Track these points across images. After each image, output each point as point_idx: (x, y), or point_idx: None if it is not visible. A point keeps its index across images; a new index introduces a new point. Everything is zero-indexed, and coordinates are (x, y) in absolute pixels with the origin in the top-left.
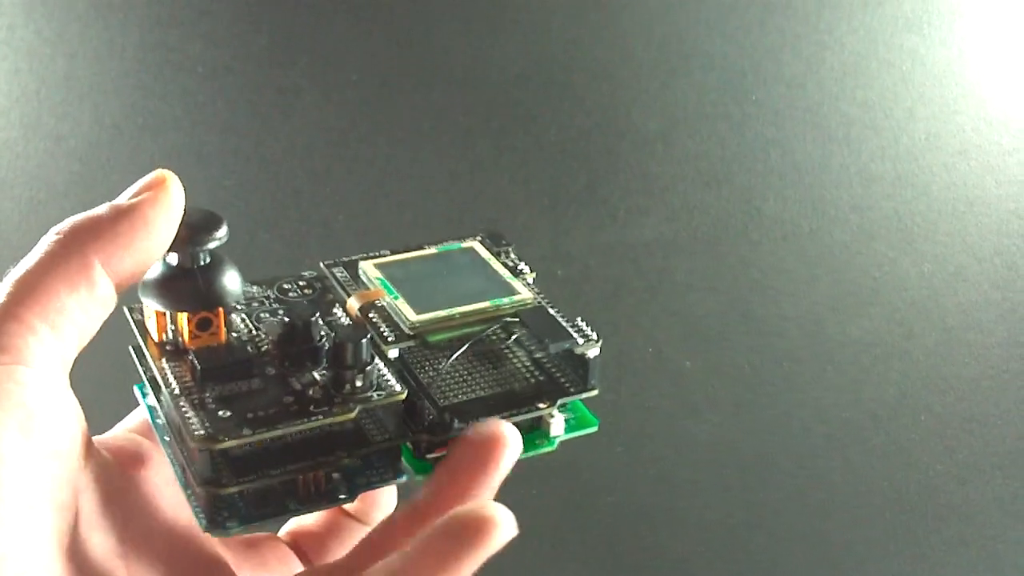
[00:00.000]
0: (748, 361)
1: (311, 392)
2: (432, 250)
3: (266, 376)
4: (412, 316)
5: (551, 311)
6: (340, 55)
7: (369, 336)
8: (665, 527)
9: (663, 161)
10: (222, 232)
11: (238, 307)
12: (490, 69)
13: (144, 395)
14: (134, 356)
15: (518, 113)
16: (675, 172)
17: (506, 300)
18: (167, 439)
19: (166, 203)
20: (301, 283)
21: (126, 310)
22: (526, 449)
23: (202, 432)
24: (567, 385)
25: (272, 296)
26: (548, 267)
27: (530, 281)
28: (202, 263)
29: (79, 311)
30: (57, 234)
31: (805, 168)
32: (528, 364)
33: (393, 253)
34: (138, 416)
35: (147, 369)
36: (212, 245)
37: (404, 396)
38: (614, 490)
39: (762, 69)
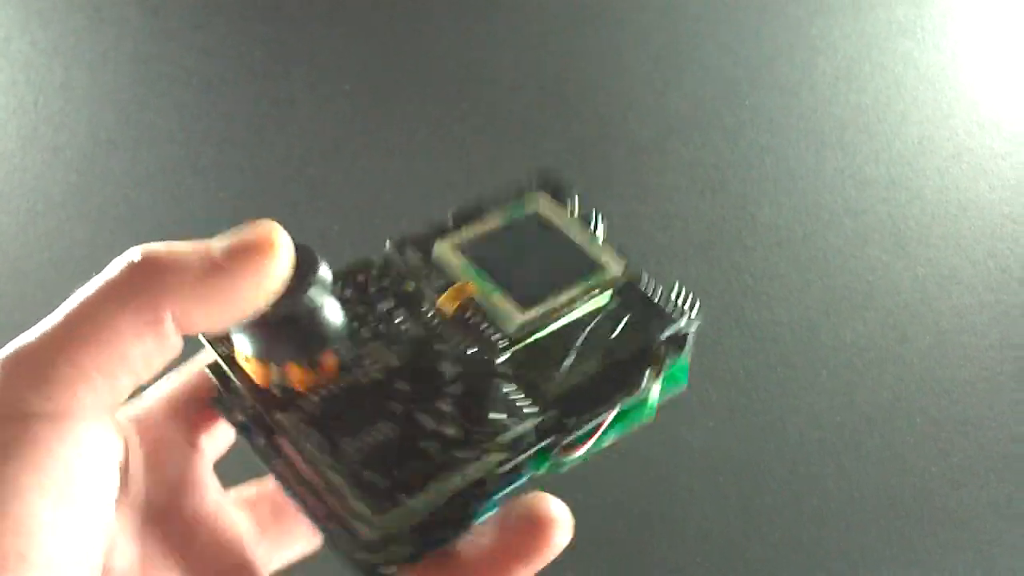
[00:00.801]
0: (742, 366)
1: (448, 431)
2: (498, 220)
3: (392, 416)
4: (518, 315)
5: (643, 287)
6: (334, 66)
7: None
8: (660, 533)
9: (658, 168)
10: (325, 273)
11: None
12: (485, 79)
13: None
14: (217, 383)
15: (513, 122)
16: (669, 179)
17: (596, 279)
18: (277, 469)
19: (268, 274)
20: (374, 272)
21: (205, 341)
22: (626, 423)
23: (368, 513)
24: (666, 352)
25: (350, 296)
26: None
27: (603, 235)
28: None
29: (141, 362)
30: (130, 264)
31: (799, 173)
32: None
33: (456, 223)
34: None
35: (247, 409)
36: (315, 292)
37: (541, 419)
38: (608, 496)
39: (756, 75)
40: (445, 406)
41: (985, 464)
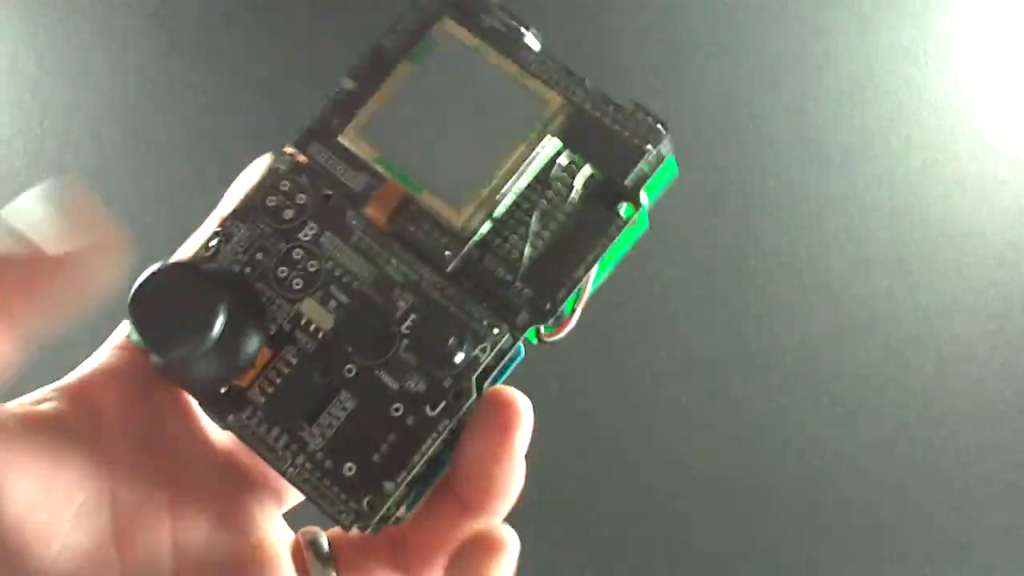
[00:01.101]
0: (744, 392)
1: (415, 386)
2: (405, 72)
3: (352, 383)
4: (456, 218)
5: (595, 112)
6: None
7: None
8: (660, 560)
9: None
10: (216, 324)
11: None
12: None
13: None
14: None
15: None
16: (671, 201)
17: (539, 125)
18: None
19: (104, 266)
20: (286, 189)
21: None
22: (617, 254)
23: (351, 518)
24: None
25: (272, 230)
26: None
27: (537, 44)
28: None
29: None
30: None
31: (802, 197)
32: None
33: (358, 90)
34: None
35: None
36: (221, 320)
37: (518, 350)
38: (608, 522)
39: (759, 96)
40: (402, 352)
41: (986, 492)
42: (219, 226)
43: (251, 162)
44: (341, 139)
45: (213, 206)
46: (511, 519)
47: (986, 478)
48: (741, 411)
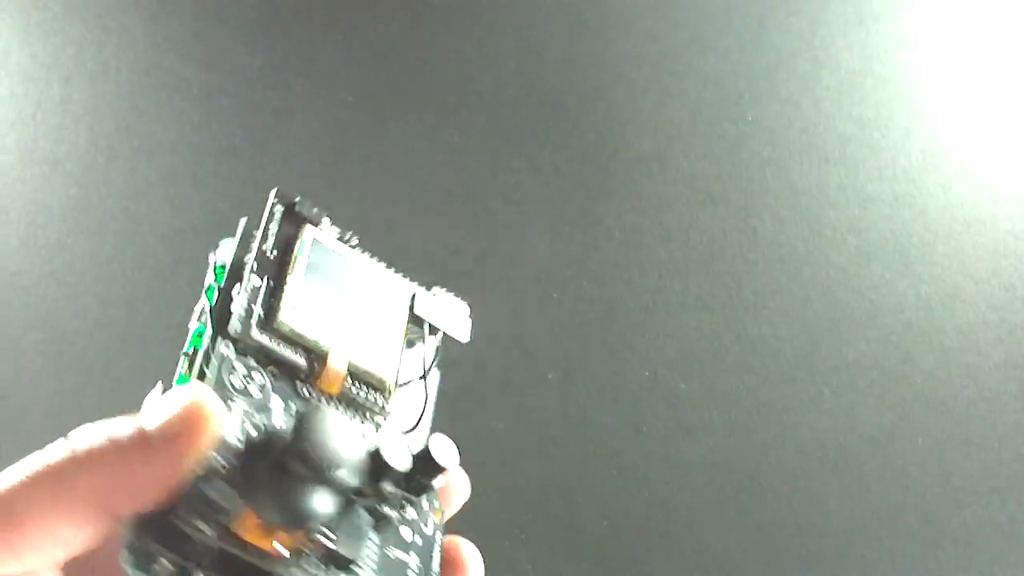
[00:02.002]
0: (743, 383)
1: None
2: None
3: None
4: (388, 379)
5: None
6: (334, 77)
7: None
8: (659, 550)
9: (658, 181)
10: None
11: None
12: (484, 90)
13: None
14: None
15: (513, 133)
16: (670, 192)
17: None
18: None
19: (198, 451)
20: (253, 378)
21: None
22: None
23: None
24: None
25: (254, 417)
26: (543, 289)
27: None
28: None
29: (65, 548)
30: (59, 460)
31: (801, 188)
32: None
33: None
34: None
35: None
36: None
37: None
38: (608, 513)
39: (757, 88)
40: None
41: (988, 484)
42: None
43: (250, 160)
44: (281, 321)
45: (206, 199)
46: (509, 508)
47: (987, 470)
48: (740, 402)
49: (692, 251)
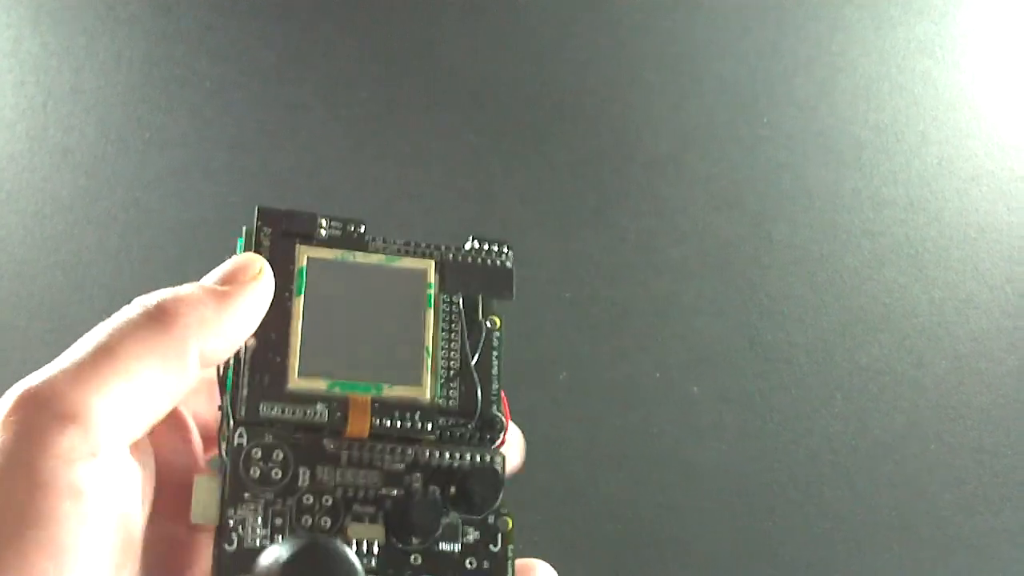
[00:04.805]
0: (756, 387)
1: (472, 537)
2: (296, 300)
3: (424, 567)
4: (423, 394)
5: (458, 259)
6: (349, 72)
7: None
8: (670, 554)
9: (673, 183)
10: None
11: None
12: (500, 89)
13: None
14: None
15: (528, 133)
16: (685, 195)
17: (431, 290)
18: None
19: (262, 289)
20: (259, 455)
21: None
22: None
23: None
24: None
25: (273, 494)
26: (556, 290)
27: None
28: None
29: (166, 397)
30: (146, 309)
31: (816, 192)
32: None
33: (254, 338)
34: None
35: None
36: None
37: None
38: (618, 516)
39: (774, 91)
40: (444, 519)
41: (1000, 492)
42: (227, 519)
43: (262, 154)
44: (290, 386)
45: (217, 192)
46: (518, 510)
47: (1000, 477)
48: (752, 406)
49: (706, 254)
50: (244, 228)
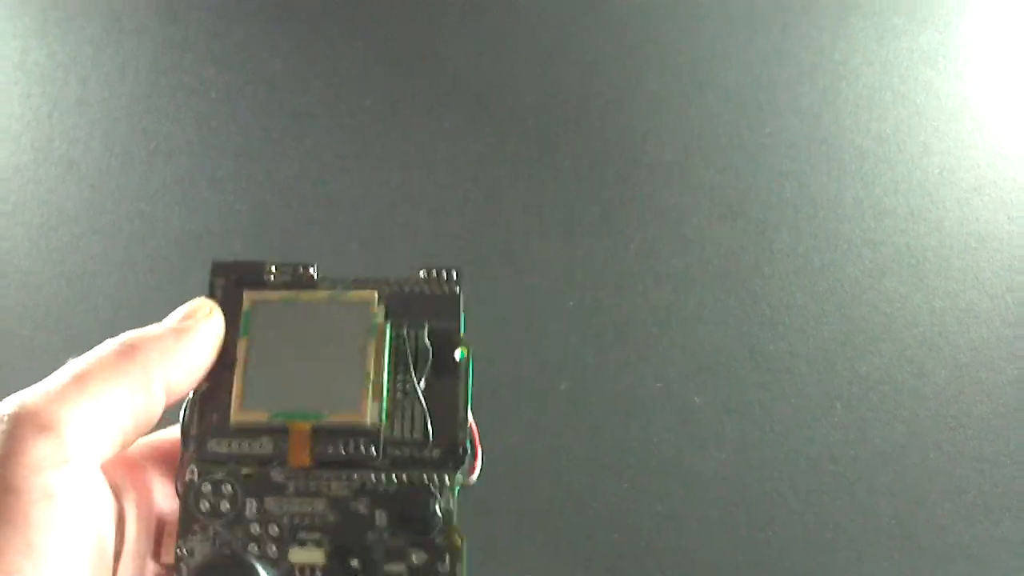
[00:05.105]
0: (756, 396)
1: (419, 559)
2: (241, 341)
3: None
4: (362, 417)
5: (405, 289)
6: (354, 80)
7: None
8: (671, 565)
9: (677, 192)
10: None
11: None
12: (505, 97)
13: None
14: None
15: (532, 141)
16: (689, 203)
17: (375, 319)
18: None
19: (214, 325)
20: (208, 489)
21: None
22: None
23: None
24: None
25: (222, 525)
26: (559, 298)
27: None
28: None
29: (131, 420)
30: (121, 345)
31: (818, 201)
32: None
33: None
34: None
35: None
36: None
37: (451, 469)
38: (619, 526)
39: (777, 101)
40: (390, 542)
41: (1000, 501)
42: (177, 549)
43: (268, 162)
44: (232, 420)
45: (223, 201)
46: (520, 520)
47: (1000, 487)
48: (753, 416)
49: (709, 263)
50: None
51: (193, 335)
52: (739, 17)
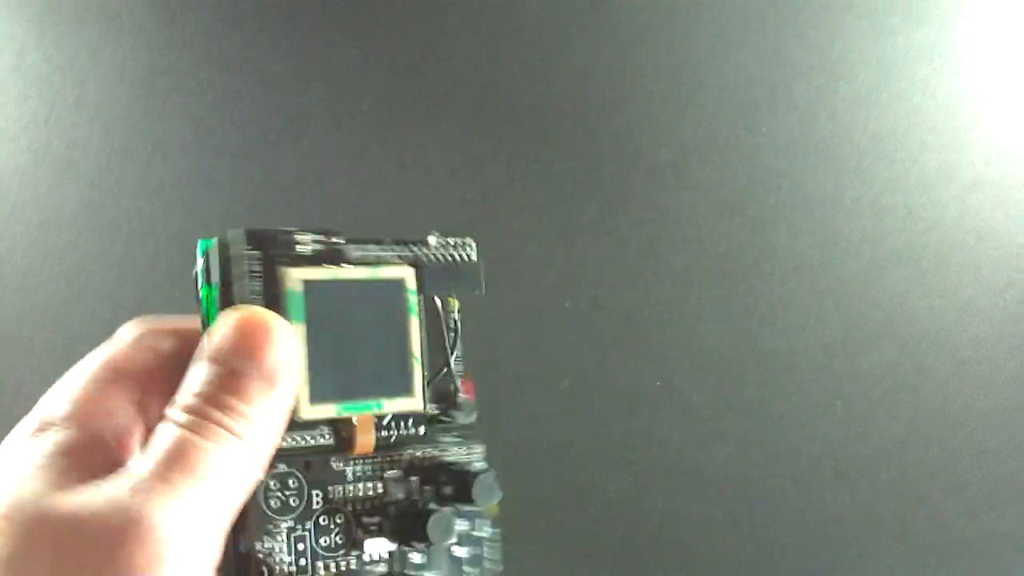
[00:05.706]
0: (757, 394)
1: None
2: (298, 326)
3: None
4: (418, 404)
5: (432, 258)
6: (351, 82)
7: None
8: (673, 561)
9: (674, 191)
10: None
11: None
12: (501, 97)
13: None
14: None
15: (529, 141)
16: (686, 202)
17: (414, 296)
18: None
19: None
20: (276, 486)
21: None
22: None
23: None
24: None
25: (294, 521)
26: (557, 298)
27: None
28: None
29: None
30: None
31: (816, 200)
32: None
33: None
34: None
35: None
36: None
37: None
38: (622, 523)
39: (774, 99)
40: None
41: (1002, 496)
42: (259, 553)
43: (266, 163)
44: (304, 417)
45: (221, 202)
46: (522, 517)
47: (1001, 482)
48: (754, 412)
49: (707, 261)
50: (202, 244)
51: (289, 387)
52: (735, 17)
